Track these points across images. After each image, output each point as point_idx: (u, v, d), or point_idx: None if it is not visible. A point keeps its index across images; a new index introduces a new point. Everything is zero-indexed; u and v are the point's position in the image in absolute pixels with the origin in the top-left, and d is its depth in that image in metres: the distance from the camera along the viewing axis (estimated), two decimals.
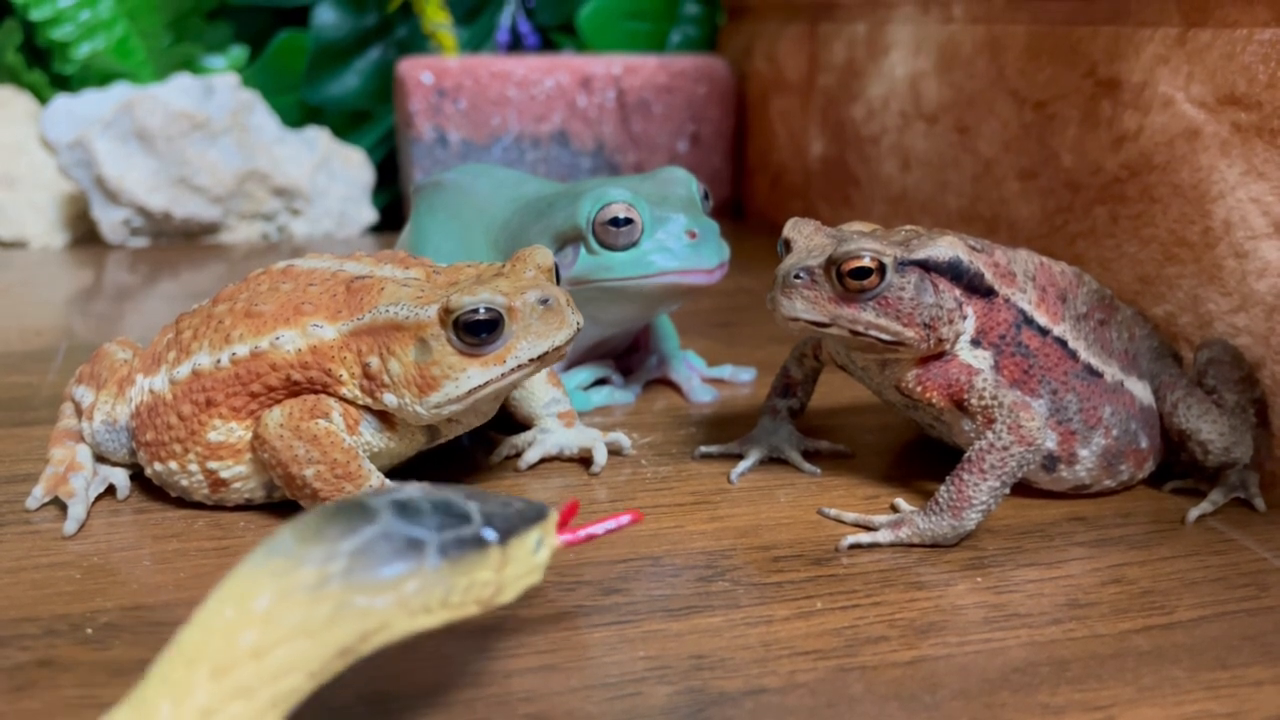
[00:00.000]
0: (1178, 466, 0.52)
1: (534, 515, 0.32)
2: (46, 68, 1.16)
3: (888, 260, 0.44)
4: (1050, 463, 0.48)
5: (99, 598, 0.40)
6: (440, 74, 1.10)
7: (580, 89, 1.13)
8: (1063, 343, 0.47)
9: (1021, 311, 0.47)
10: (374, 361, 0.44)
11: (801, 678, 0.36)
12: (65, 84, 1.16)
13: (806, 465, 0.53)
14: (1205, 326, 0.56)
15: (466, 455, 0.55)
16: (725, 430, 0.58)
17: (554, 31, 1.26)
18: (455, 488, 0.32)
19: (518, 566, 0.31)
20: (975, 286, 0.46)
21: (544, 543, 0.32)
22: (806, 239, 0.47)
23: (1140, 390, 0.50)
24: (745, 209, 1.21)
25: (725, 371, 0.66)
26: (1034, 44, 0.70)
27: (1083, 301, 0.49)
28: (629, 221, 0.55)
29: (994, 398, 0.45)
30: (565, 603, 0.41)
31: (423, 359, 0.44)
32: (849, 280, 0.44)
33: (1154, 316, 0.60)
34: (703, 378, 0.66)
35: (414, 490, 0.31)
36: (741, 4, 1.20)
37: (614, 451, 0.54)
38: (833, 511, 0.48)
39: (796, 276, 0.45)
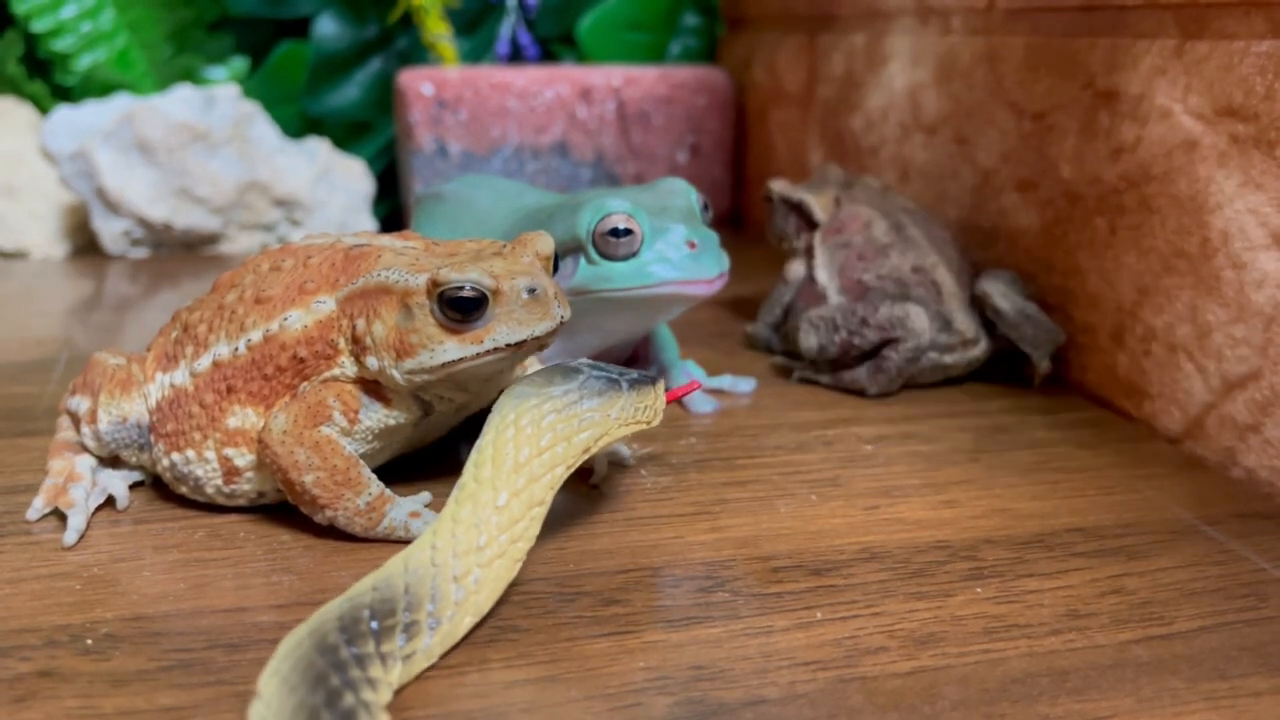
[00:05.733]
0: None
1: (657, 377, 0.47)
2: (48, 79, 1.16)
3: (774, 195, 0.76)
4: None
5: (99, 608, 0.41)
6: (440, 85, 1.10)
7: (580, 100, 1.13)
8: (810, 252, 0.72)
9: (816, 234, 0.72)
10: (360, 323, 0.45)
11: (801, 689, 0.36)
12: (66, 95, 1.16)
13: None
14: (1204, 337, 0.56)
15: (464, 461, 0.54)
16: (726, 440, 0.58)
17: (554, 43, 1.26)
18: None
19: (660, 402, 0.45)
20: (808, 220, 0.73)
21: (663, 392, 0.46)
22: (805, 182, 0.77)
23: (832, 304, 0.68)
24: (745, 220, 1.21)
25: (725, 382, 0.66)
26: (1032, 55, 0.70)
27: (851, 241, 0.69)
28: (629, 232, 0.55)
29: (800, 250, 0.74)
30: (565, 613, 0.41)
31: (405, 324, 0.44)
32: (764, 202, 0.78)
33: (1153, 327, 0.60)
34: (703, 388, 0.66)
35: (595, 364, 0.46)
36: (741, 15, 1.20)
37: (614, 462, 0.54)
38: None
39: (764, 199, 0.78)
